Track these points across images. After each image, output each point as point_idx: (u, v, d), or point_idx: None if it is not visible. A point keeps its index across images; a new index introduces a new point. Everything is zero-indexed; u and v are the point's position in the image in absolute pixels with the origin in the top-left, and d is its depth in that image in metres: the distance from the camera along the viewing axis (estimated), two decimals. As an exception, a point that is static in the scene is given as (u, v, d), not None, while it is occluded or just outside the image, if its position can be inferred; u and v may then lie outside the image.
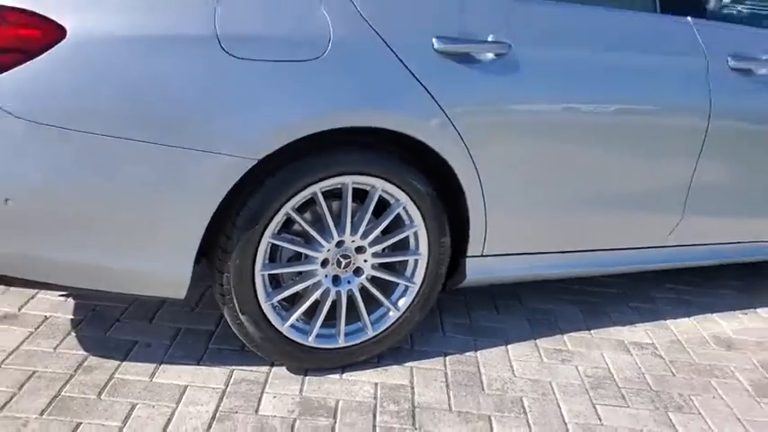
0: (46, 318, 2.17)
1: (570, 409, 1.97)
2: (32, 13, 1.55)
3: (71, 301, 2.27)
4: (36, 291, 2.31)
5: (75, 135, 1.59)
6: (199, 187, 1.68)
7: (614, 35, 2.13)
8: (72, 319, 2.17)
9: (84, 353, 2.00)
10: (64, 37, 1.56)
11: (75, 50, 1.57)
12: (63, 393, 1.81)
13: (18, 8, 1.55)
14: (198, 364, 2.00)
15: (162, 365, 1.98)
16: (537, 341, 2.32)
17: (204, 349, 2.08)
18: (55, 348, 2.01)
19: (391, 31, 1.80)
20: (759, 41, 2.34)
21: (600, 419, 1.94)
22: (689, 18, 2.24)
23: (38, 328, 2.11)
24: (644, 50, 2.16)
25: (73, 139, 1.59)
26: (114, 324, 2.17)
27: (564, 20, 2.07)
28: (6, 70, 1.54)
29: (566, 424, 1.90)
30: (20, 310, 2.21)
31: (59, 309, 2.23)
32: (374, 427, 1.81)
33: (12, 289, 2.31)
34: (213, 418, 1.78)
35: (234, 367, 2.01)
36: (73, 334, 2.09)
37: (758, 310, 2.74)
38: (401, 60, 1.81)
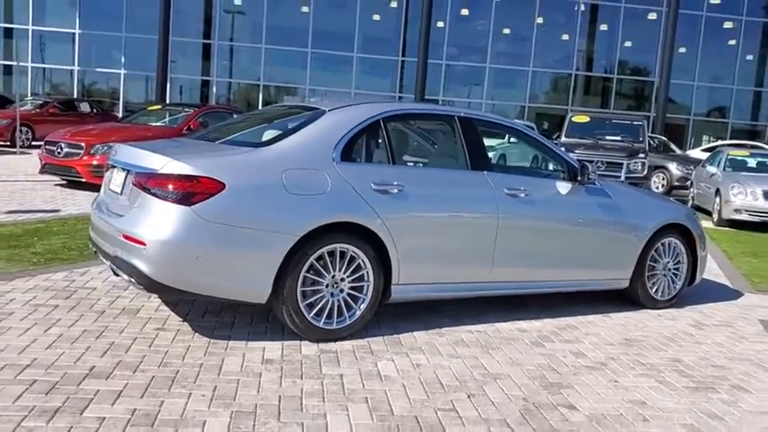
0: (179, 329, 4.23)
1: (443, 350, 4.21)
2: (211, 178, 3.83)
3: (186, 323, 4.34)
4: (166, 318, 4.37)
5: (226, 226, 3.83)
6: (277, 247, 3.92)
7: (449, 180, 4.64)
8: (194, 330, 4.24)
9: (209, 339, 4.08)
10: (225, 187, 3.84)
11: (229, 192, 3.84)
12: (208, 351, 3.89)
13: (205, 176, 3.83)
14: (264, 341, 4.12)
15: (248, 342, 4.08)
16: (428, 332, 4.57)
17: (265, 335, 4.20)
18: (192, 337, 4.08)
19: (355, 182, 4.19)
20: (518, 181, 4.91)
21: (456, 354, 4.19)
22: (484, 171, 4.79)
23: (177, 333, 4.17)
24: (463, 187, 4.66)
25: (225, 227, 3.83)
26: (214, 330, 4.26)
27: (425, 175, 4.57)
28: (201, 202, 3.79)
29: (441, 354, 4.14)
30: (163, 325, 4.26)
31: (184, 325, 4.29)
32: (355, 356, 3.98)
33: (153, 317, 4.36)
34: (282, 354, 3.91)
35: (283, 341, 4.13)
36: (197, 334, 4.17)
37: (544, 319, 5.12)
38: (359, 194, 4.18)
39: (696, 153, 24.27)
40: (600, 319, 5.26)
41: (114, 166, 4.43)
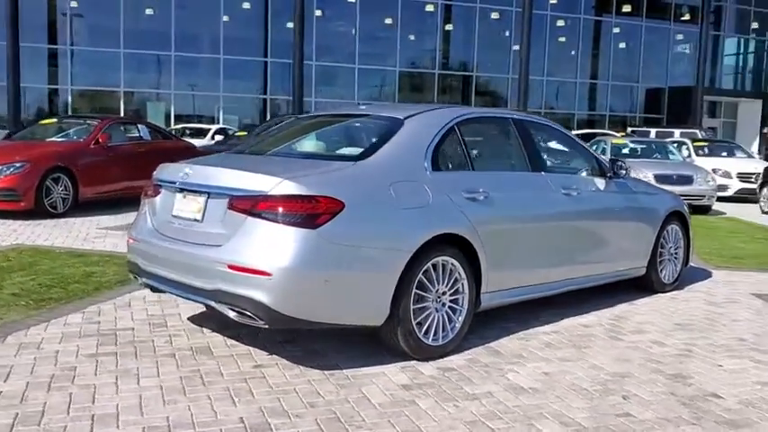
0: (276, 363, 3.85)
1: (546, 354, 4.19)
2: (331, 198, 3.54)
3: (277, 356, 3.97)
4: (247, 353, 3.96)
5: (349, 248, 3.56)
6: (395, 265, 3.70)
7: (520, 183, 4.63)
8: (293, 363, 3.89)
9: (320, 371, 3.76)
10: (344, 207, 3.56)
11: (348, 211, 3.57)
12: (336, 384, 3.59)
13: (326, 195, 3.53)
14: (376, 366, 3.87)
15: (361, 369, 3.81)
16: (510, 337, 4.52)
17: (368, 360, 3.94)
18: (301, 371, 3.74)
19: (450, 192, 4.05)
20: (569, 180, 5.00)
21: (563, 357, 4.18)
22: (542, 172, 4.83)
23: (280, 368, 3.80)
24: (532, 189, 4.68)
25: (348, 248, 3.56)
26: (315, 361, 3.93)
27: (501, 179, 4.52)
28: (326, 223, 3.49)
29: (549, 359, 4.11)
30: (256, 362, 3.86)
31: (277, 359, 3.92)
32: (477, 371, 3.85)
33: (234, 353, 3.94)
34: (409, 377, 3.69)
35: (395, 364, 3.90)
36: (301, 366, 3.82)
37: (592, 313, 5.24)
38: (455, 204, 4.05)
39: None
40: (632, 307, 5.49)
41: (183, 190, 3.94)
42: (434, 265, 3.98)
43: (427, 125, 4.27)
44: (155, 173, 4.33)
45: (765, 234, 10.71)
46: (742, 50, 37.99)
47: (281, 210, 3.48)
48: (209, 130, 20.32)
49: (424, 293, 3.94)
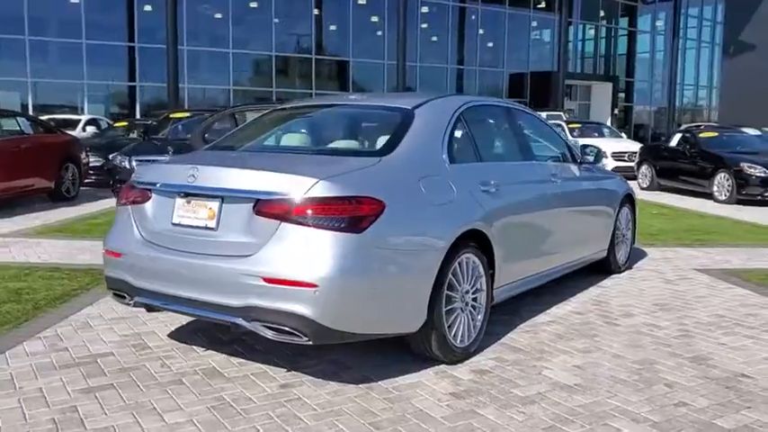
0: (299, 381, 3.51)
1: (564, 347, 4.14)
2: (373, 198, 3.25)
3: (297, 372, 3.62)
4: (260, 371, 3.59)
5: (393, 251, 3.30)
6: (431, 266, 3.48)
7: (520, 173, 4.56)
8: (317, 377, 3.56)
9: (354, 385, 3.47)
10: (384, 207, 3.28)
11: (389, 212, 3.29)
12: (381, 398, 3.32)
13: (369, 196, 3.23)
14: (404, 375, 3.63)
15: (396, 379, 3.56)
16: (517, 331, 4.43)
17: (389, 367, 3.70)
18: (332, 387, 3.43)
19: (470, 185, 3.88)
20: (553, 168, 4.99)
21: (583, 349, 4.15)
22: (533, 161, 4.77)
23: (313, 386, 3.46)
24: (530, 178, 4.62)
25: (392, 252, 3.30)
26: (338, 373, 3.62)
27: (505, 169, 4.41)
28: (370, 226, 3.19)
29: (571, 351, 4.06)
30: (281, 381, 3.50)
31: (296, 376, 3.57)
32: (511, 369, 3.73)
33: (245, 373, 3.55)
34: (452, 384, 3.50)
35: (426, 370, 3.68)
36: (331, 382, 3.51)
37: (570, 299, 5.28)
38: (475, 198, 3.88)
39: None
40: (603, 290, 5.59)
41: (187, 194, 3.45)
42: (460, 264, 3.79)
43: (438, 115, 4.06)
44: (137, 175, 3.79)
45: (659, 210, 11.46)
46: (592, 36, 40.58)
47: (322, 214, 3.13)
48: (78, 121, 18.67)
49: (452, 294, 3.75)
